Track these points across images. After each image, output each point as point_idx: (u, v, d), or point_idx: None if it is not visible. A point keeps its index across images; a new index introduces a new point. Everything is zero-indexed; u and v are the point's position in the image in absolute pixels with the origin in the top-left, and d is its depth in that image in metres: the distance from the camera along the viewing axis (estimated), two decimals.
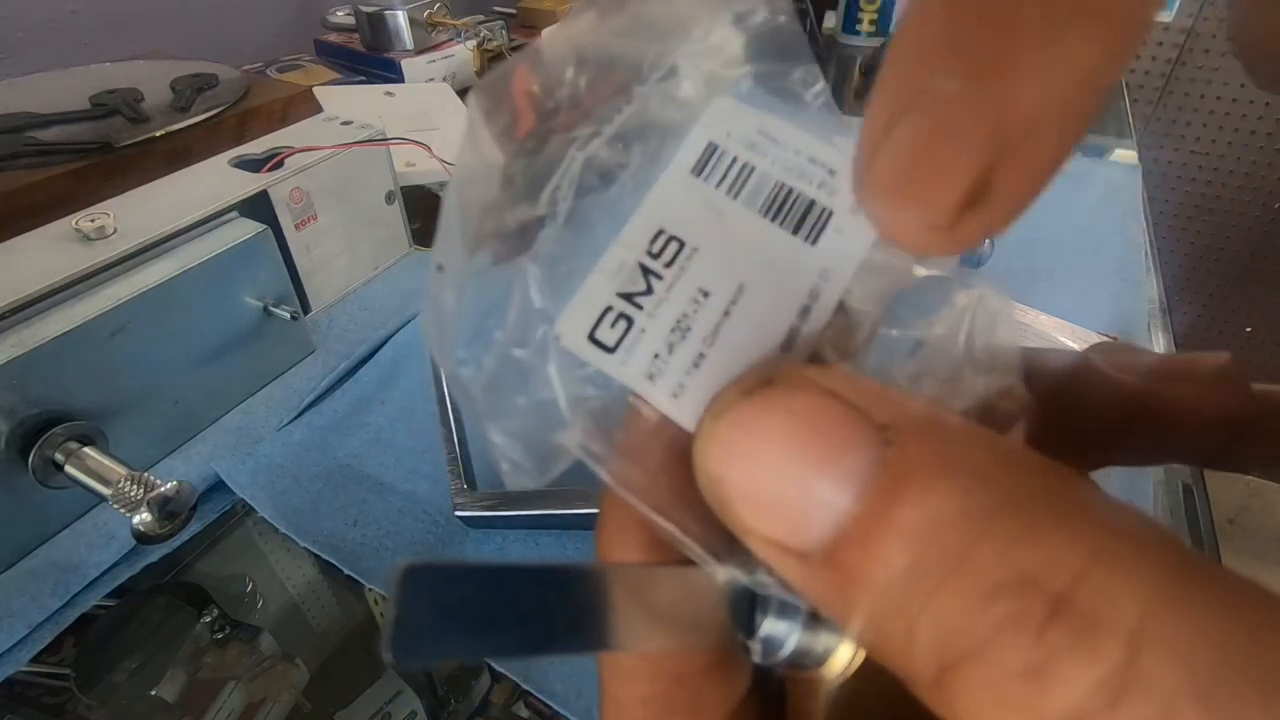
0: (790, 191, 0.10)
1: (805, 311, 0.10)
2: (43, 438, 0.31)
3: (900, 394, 0.08)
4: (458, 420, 0.36)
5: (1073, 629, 0.06)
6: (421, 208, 0.57)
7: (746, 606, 0.09)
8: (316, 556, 0.33)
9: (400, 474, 0.37)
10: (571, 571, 0.08)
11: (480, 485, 0.34)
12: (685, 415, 0.09)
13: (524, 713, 0.29)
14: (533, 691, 0.28)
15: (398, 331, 0.45)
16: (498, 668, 0.29)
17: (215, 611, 0.33)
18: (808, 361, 0.10)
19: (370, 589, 0.32)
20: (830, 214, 0.10)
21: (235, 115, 0.53)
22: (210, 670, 0.31)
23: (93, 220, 0.35)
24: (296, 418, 0.40)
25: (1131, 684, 0.06)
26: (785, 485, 0.08)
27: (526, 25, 0.92)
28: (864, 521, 0.07)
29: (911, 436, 0.08)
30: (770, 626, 0.09)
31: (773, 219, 0.10)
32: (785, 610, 0.09)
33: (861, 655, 0.09)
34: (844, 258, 0.10)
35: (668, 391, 0.09)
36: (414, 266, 0.52)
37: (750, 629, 0.09)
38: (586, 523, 0.33)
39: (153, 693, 0.30)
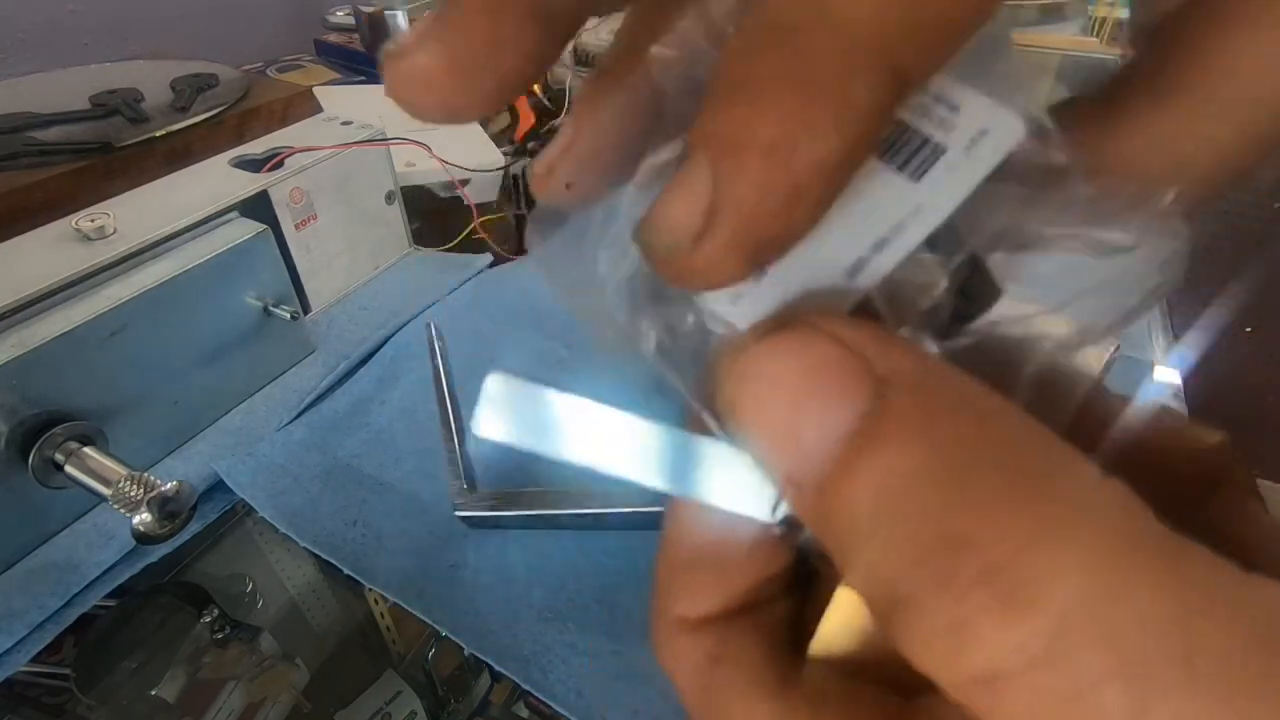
0: (907, 128, 0.10)
1: (881, 244, 0.10)
2: (43, 438, 0.31)
3: (910, 349, 0.09)
4: (458, 420, 0.36)
5: (998, 595, 0.07)
6: (421, 208, 0.57)
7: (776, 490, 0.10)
8: (316, 556, 0.33)
9: (400, 474, 0.37)
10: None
11: (480, 485, 0.34)
12: (741, 321, 0.10)
13: (524, 713, 0.29)
14: (532, 691, 0.28)
15: (398, 331, 0.45)
16: (498, 668, 0.29)
17: (215, 611, 0.33)
18: (870, 299, 0.10)
19: (370, 589, 0.32)
20: (943, 151, 0.10)
21: (235, 115, 0.53)
22: (210, 670, 0.31)
23: (93, 220, 0.35)
24: (296, 418, 0.40)
25: (1057, 657, 0.07)
26: (786, 421, 0.09)
27: None
28: (843, 464, 0.08)
29: (904, 391, 0.08)
30: (788, 509, 0.10)
31: (882, 154, 0.10)
32: None
33: None
34: (943, 197, 0.10)
35: (728, 298, 0.10)
36: (414, 266, 0.52)
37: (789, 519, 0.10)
38: (586, 523, 0.33)
39: (153, 693, 0.30)
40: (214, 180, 0.41)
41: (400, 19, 0.78)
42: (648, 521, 0.33)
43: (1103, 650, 0.06)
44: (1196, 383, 0.47)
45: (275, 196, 0.42)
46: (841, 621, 0.11)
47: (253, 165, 0.43)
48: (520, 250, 0.54)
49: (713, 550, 0.12)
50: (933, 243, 0.10)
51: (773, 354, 0.09)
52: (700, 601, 0.12)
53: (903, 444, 0.08)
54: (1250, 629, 0.06)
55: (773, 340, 0.09)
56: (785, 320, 0.09)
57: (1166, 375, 0.44)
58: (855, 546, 0.08)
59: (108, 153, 0.46)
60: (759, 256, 0.09)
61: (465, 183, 0.54)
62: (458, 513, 0.32)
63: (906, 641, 0.08)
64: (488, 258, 0.52)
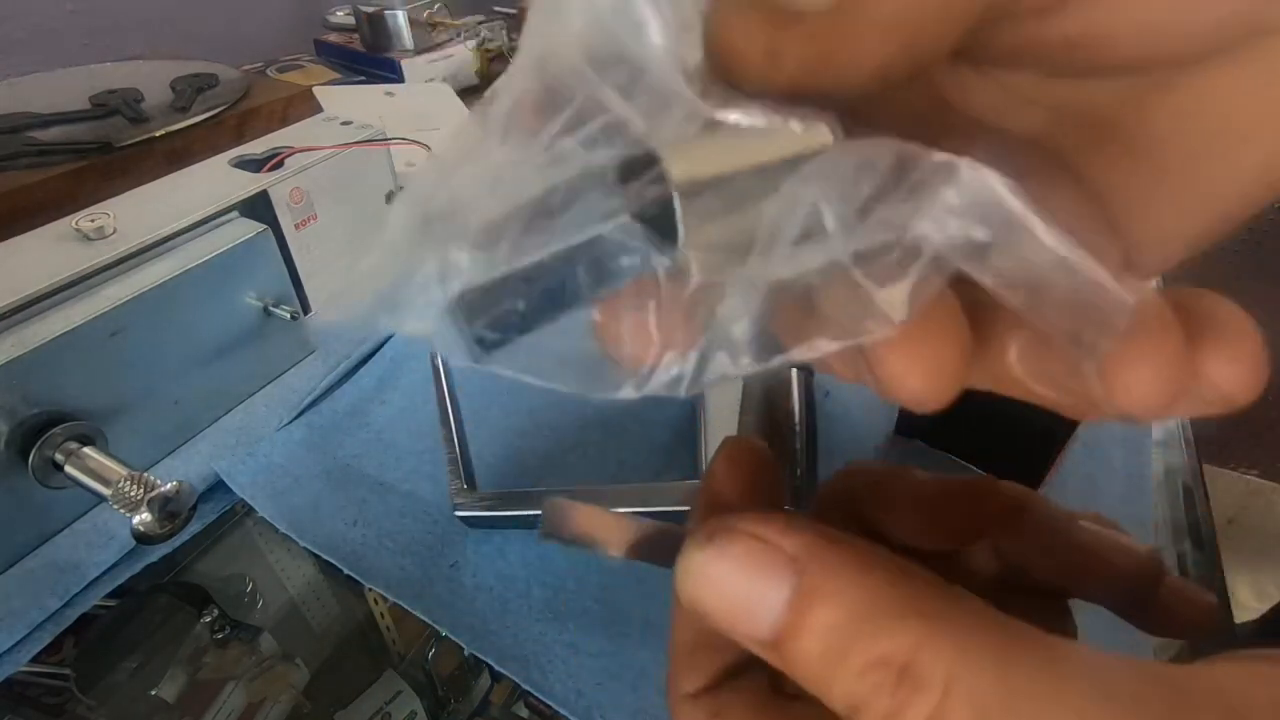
0: None
1: None
2: (43, 438, 0.31)
3: (807, 528, 0.12)
4: (458, 420, 0.36)
5: (910, 686, 0.10)
6: None
7: None
8: (316, 556, 0.33)
9: (400, 474, 0.37)
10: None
11: (480, 485, 0.34)
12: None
13: (524, 713, 0.29)
14: (532, 691, 0.28)
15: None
16: (498, 668, 0.29)
17: (215, 611, 0.33)
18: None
19: (370, 589, 0.32)
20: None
21: (235, 115, 0.53)
22: (210, 670, 0.31)
23: (93, 220, 0.35)
24: (296, 418, 0.40)
25: (944, 718, 0.10)
26: (739, 609, 0.12)
27: None
28: (790, 625, 0.11)
29: (811, 564, 0.12)
30: None
31: None
32: None
33: None
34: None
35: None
36: None
37: None
38: None
39: (153, 693, 0.30)
40: (214, 180, 0.41)
41: (400, 19, 0.78)
42: None
43: (968, 709, 0.10)
44: None
45: (275, 196, 0.42)
46: None
47: (253, 165, 0.43)
48: None
49: (704, 637, 0.15)
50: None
51: (717, 559, 0.12)
52: (697, 677, 0.15)
53: (824, 604, 0.11)
54: (1048, 686, 0.10)
55: (713, 549, 0.12)
56: (707, 534, 0.12)
57: None
58: (817, 678, 0.11)
59: (108, 153, 0.46)
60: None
61: None
62: (458, 513, 0.32)
63: None
64: None
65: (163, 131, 0.49)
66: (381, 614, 0.33)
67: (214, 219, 0.39)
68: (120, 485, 0.29)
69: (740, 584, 0.12)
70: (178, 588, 0.34)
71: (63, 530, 0.34)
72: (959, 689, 0.10)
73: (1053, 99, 0.11)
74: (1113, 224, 0.11)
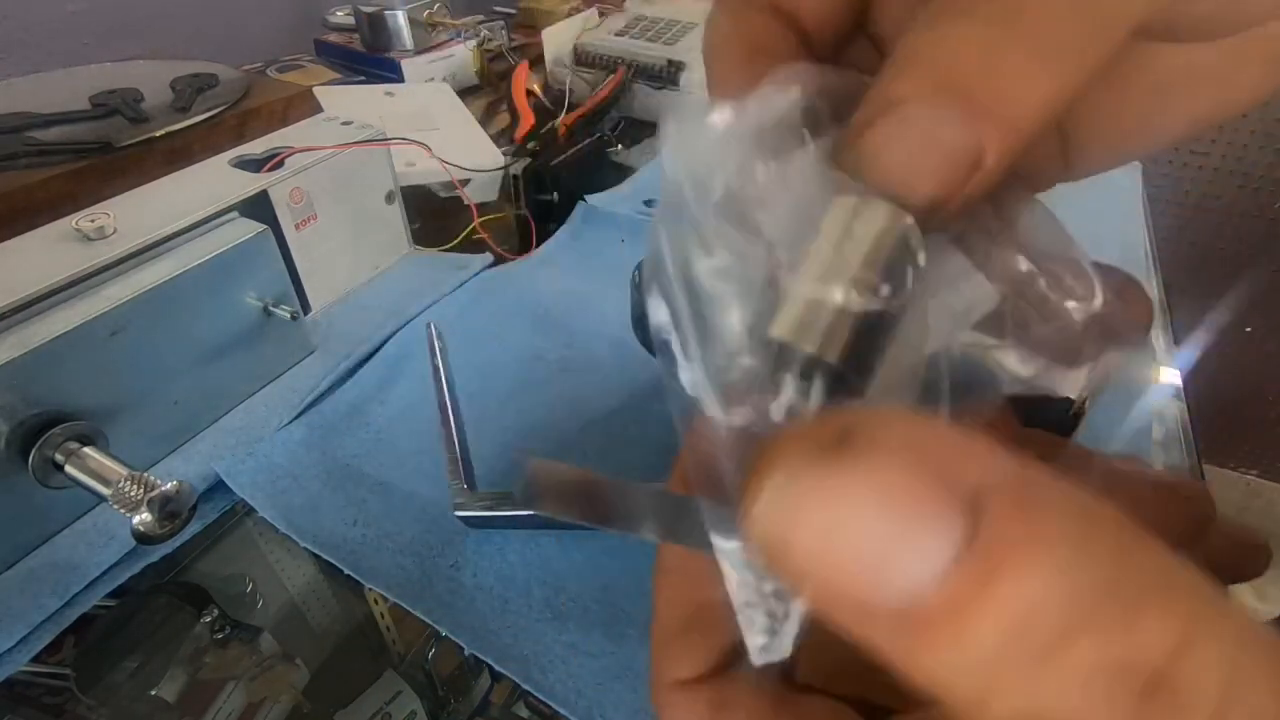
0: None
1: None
2: (43, 438, 0.31)
3: (997, 452, 0.08)
4: (458, 420, 0.36)
5: (1166, 706, 0.07)
6: (421, 208, 0.57)
7: None
8: (316, 556, 0.33)
9: (400, 474, 0.37)
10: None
11: (480, 485, 0.34)
12: None
13: (524, 713, 0.29)
14: (532, 691, 0.28)
15: (398, 331, 0.45)
16: (498, 668, 0.29)
17: (215, 611, 0.33)
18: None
19: (370, 589, 0.32)
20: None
21: (235, 115, 0.53)
22: (210, 670, 0.31)
23: (93, 220, 0.35)
24: (296, 418, 0.40)
25: None
26: (863, 556, 0.08)
27: (526, 25, 0.92)
28: (953, 597, 0.07)
29: (1004, 506, 0.07)
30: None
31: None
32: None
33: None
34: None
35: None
36: (414, 266, 0.52)
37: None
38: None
39: (153, 693, 0.30)
40: (214, 180, 0.41)
41: (400, 19, 0.78)
42: None
43: None
44: (1196, 383, 0.47)
45: (275, 196, 0.42)
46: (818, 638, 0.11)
47: (253, 165, 0.43)
48: (521, 250, 0.54)
49: (696, 616, 0.13)
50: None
51: (842, 479, 0.08)
52: (694, 662, 0.13)
53: (1027, 570, 0.07)
54: None
55: (838, 461, 0.08)
56: (834, 429, 0.08)
57: (1167, 375, 0.44)
58: (975, 683, 0.07)
59: (108, 153, 0.46)
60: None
61: (465, 183, 0.55)
62: (458, 513, 0.32)
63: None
64: (488, 258, 0.52)
65: (163, 131, 0.49)
66: (381, 614, 0.33)
67: (214, 219, 0.39)
68: (120, 485, 0.29)
69: (874, 523, 0.07)
70: (178, 588, 0.34)
71: (63, 530, 0.34)
72: (1240, 708, 0.07)
73: None
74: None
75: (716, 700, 0.13)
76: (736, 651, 0.13)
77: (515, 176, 0.57)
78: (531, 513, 0.32)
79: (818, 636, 0.10)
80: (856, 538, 0.08)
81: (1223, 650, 0.07)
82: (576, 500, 0.12)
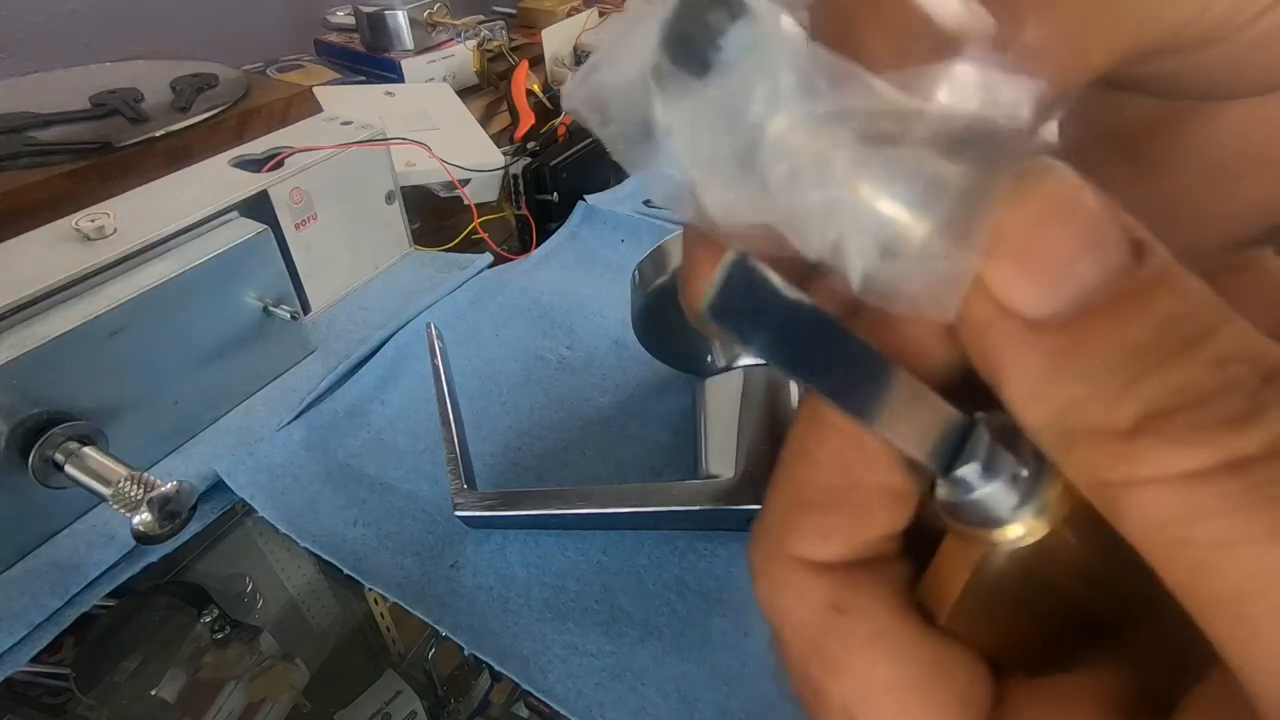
0: None
1: None
2: (43, 438, 0.31)
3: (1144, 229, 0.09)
4: (458, 420, 0.36)
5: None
6: (421, 208, 0.57)
7: (956, 444, 0.10)
8: (316, 556, 0.33)
9: (400, 474, 0.37)
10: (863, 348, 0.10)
11: (480, 485, 0.34)
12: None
13: (524, 713, 0.29)
14: (532, 691, 0.28)
15: (398, 331, 0.45)
16: (498, 668, 0.29)
17: (215, 611, 0.33)
18: None
19: (370, 589, 0.32)
20: None
21: (235, 115, 0.53)
22: (210, 670, 0.31)
23: (93, 220, 0.35)
24: (296, 418, 0.40)
25: None
26: (1047, 251, 0.09)
27: (526, 25, 0.92)
28: (1118, 299, 0.09)
29: (1157, 252, 0.09)
30: (969, 471, 0.10)
31: None
32: (992, 463, 0.10)
33: (1032, 534, 0.10)
34: None
35: None
36: (414, 266, 0.52)
37: (949, 466, 0.10)
38: (586, 523, 0.33)
39: (153, 693, 0.30)
40: (214, 180, 0.41)
41: (400, 19, 0.78)
42: (648, 521, 0.33)
43: None
44: None
45: (275, 196, 0.42)
46: (980, 595, 0.11)
47: (253, 165, 0.43)
48: (521, 250, 0.54)
49: (844, 494, 0.11)
50: None
51: (1049, 182, 0.09)
52: (827, 544, 0.11)
53: (1187, 283, 0.09)
54: None
55: (1049, 172, 0.09)
56: (1041, 164, 0.09)
57: None
58: (1108, 371, 0.09)
59: (108, 153, 0.46)
60: None
61: (465, 183, 0.55)
62: (458, 513, 0.32)
63: (1140, 445, 0.08)
64: (488, 258, 0.52)
65: (163, 131, 0.49)
66: (381, 614, 0.33)
67: (214, 219, 0.39)
68: (120, 485, 0.29)
69: (1066, 225, 0.09)
70: (178, 588, 0.34)
71: (63, 530, 0.34)
72: None
73: (1095, 111, 0.12)
74: None
75: (837, 598, 0.11)
76: (875, 554, 0.11)
77: (515, 176, 0.57)
78: (532, 513, 0.32)
79: (975, 594, 0.11)
80: (1046, 230, 0.09)
81: None
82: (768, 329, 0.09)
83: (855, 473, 0.11)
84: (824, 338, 0.09)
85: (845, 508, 0.11)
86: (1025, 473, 0.10)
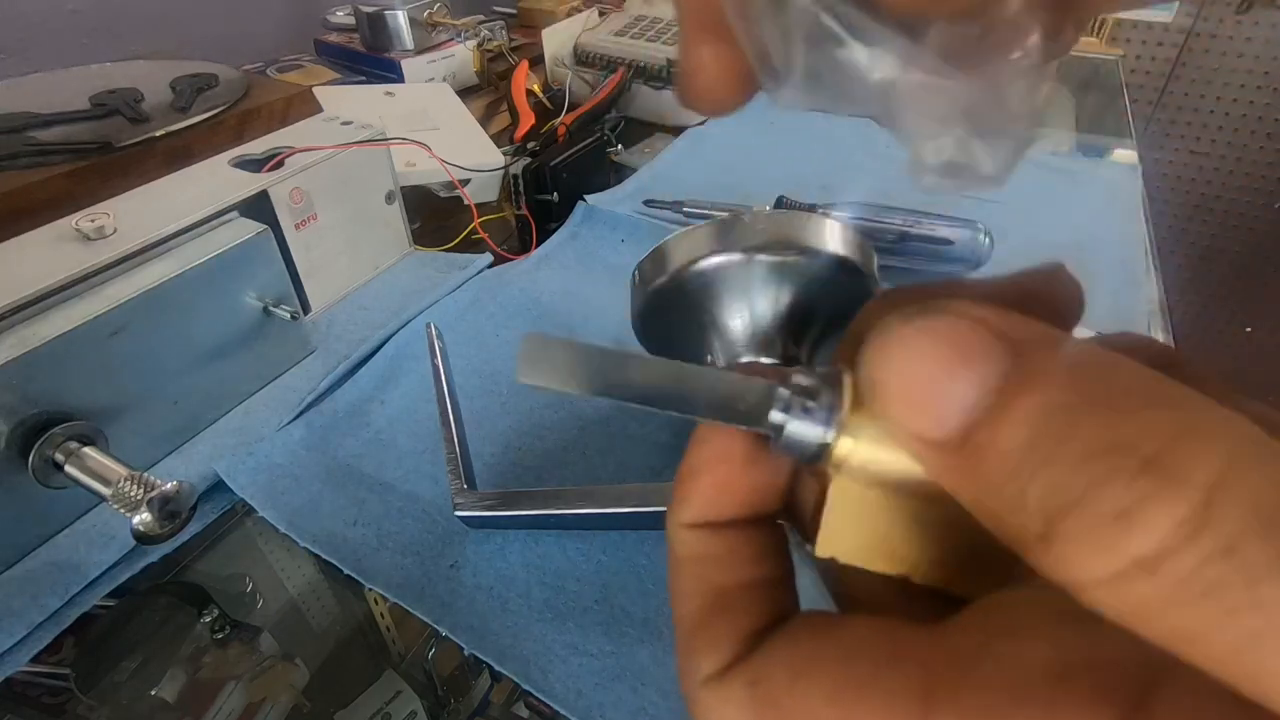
0: None
1: None
2: (43, 438, 0.31)
3: (1032, 322, 0.10)
4: (458, 420, 0.36)
5: (1157, 481, 0.08)
6: (421, 208, 0.57)
7: (764, 405, 0.12)
8: (316, 556, 0.33)
9: (400, 474, 0.37)
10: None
11: (480, 485, 0.34)
12: None
13: (524, 713, 0.29)
14: (532, 691, 0.28)
15: (398, 331, 0.45)
16: (498, 668, 0.29)
17: (215, 611, 0.33)
18: None
19: (370, 589, 0.32)
20: None
21: (235, 115, 0.53)
22: (210, 670, 0.31)
23: (93, 220, 0.35)
24: (296, 418, 0.40)
25: (1206, 525, 0.08)
26: (933, 388, 0.10)
27: (526, 25, 0.92)
28: (993, 410, 0.09)
29: (1038, 348, 0.10)
30: (776, 416, 0.12)
31: None
32: (789, 406, 0.12)
33: (844, 449, 0.12)
34: None
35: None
36: (414, 266, 0.52)
37: (762, 421, 0.12)
38: (586, 523, 0.33)
39: (153, 693, 0.30)
40: (214, 180, 0.41)
41: (400, 19, 0.78)
42: (648, 521, 0.33)
43: (1243, 515, 0.08)
44: None
45: (275, 196, 0.42)
46: (842, 516, 0.13)
47: (253, 165, 0.43)
48: (521, 250, 0.54)
49: (718, 600, 0.13)
50: None
51: (916, 334, 0.10)
52: (721, 651, 0.13)
53: (1048, 385, 0.09)
54: None
55: (915, 324, 0.10)
56: (920, 308, 0.10)
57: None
58: (1008, 481, 0.09)
59: (108, 153, 0.46)
60: None
61: (465, 183, 0.55)
62: (458, 513, 0.32)
63: (1067, 548, 0.09)
64: (488, 258, 0.52)
65: (163, 131, 0.49)
66: (381, 614, 0.33)
67: (214, 219, 0.39)
68: (120, 485, 0.29)
69: (943, 362, 0.10)
70: (178, 588, 0.34)
71: (63, 530, 0.34)
72: (1232, 489, 0.08)
73: None
74: None
75: (751, 677, 0.12)
76: (765, 629, 0.13)
77: (515, 176, 0.57)
78: (532, 513, 0.32)
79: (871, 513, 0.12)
80: (924, 371, 0.10)
81: (1218, 442, 0.08)
82: (574, 371, 0.12)
83: (717, 584, 0.13)
84: (623, 366, 0.12)
85: (721, 617, 0.13)
86: (821, 404, 0.12)
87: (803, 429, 0.12)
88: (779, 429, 0.12)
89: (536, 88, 0.73)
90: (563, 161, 0.58)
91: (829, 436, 0.12)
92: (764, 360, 0.32)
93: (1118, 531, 0.08)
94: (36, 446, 0.31)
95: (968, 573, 0.13)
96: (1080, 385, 0.09)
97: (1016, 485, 0.09)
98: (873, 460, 0.12)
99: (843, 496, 0.13)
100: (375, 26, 0.79)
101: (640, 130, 0.72)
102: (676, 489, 0.14)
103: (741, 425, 0.12)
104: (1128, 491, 0.08)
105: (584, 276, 0.51)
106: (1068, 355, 0.10)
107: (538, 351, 0.12)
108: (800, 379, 0.12)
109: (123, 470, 0.30)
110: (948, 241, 0.50)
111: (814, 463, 0.12)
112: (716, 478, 0.13)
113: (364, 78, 0.80)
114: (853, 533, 0.13)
